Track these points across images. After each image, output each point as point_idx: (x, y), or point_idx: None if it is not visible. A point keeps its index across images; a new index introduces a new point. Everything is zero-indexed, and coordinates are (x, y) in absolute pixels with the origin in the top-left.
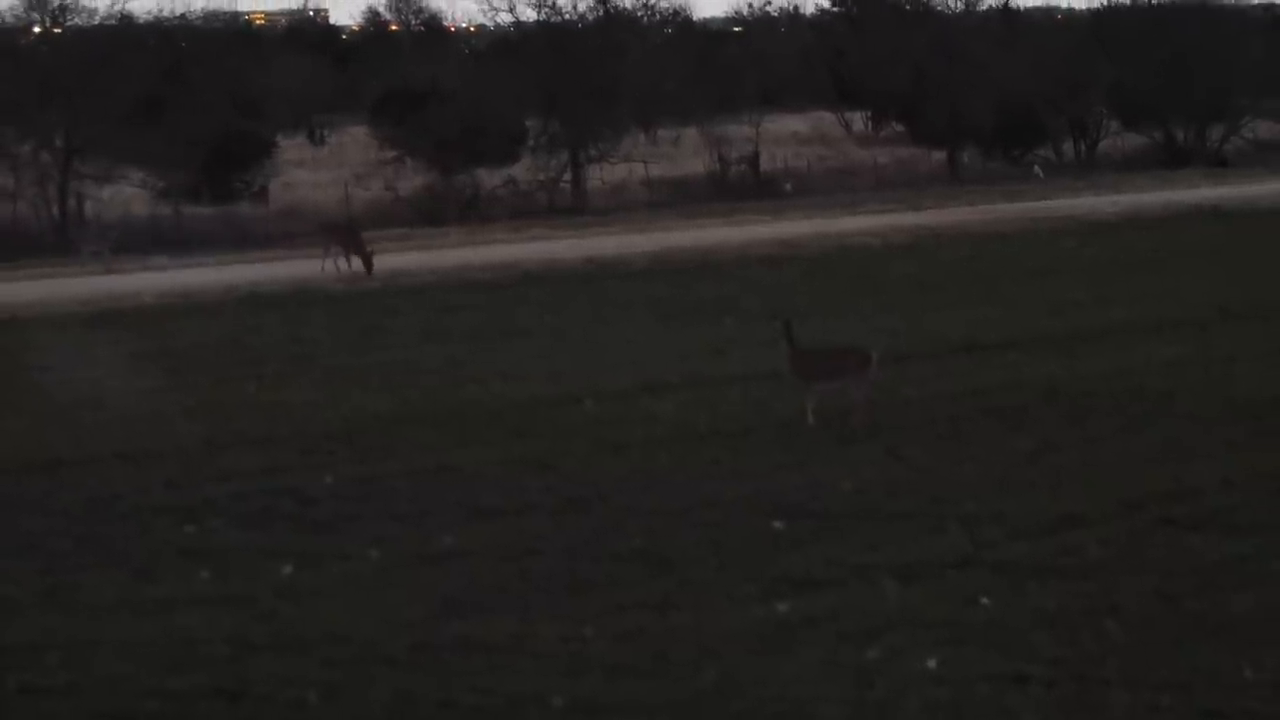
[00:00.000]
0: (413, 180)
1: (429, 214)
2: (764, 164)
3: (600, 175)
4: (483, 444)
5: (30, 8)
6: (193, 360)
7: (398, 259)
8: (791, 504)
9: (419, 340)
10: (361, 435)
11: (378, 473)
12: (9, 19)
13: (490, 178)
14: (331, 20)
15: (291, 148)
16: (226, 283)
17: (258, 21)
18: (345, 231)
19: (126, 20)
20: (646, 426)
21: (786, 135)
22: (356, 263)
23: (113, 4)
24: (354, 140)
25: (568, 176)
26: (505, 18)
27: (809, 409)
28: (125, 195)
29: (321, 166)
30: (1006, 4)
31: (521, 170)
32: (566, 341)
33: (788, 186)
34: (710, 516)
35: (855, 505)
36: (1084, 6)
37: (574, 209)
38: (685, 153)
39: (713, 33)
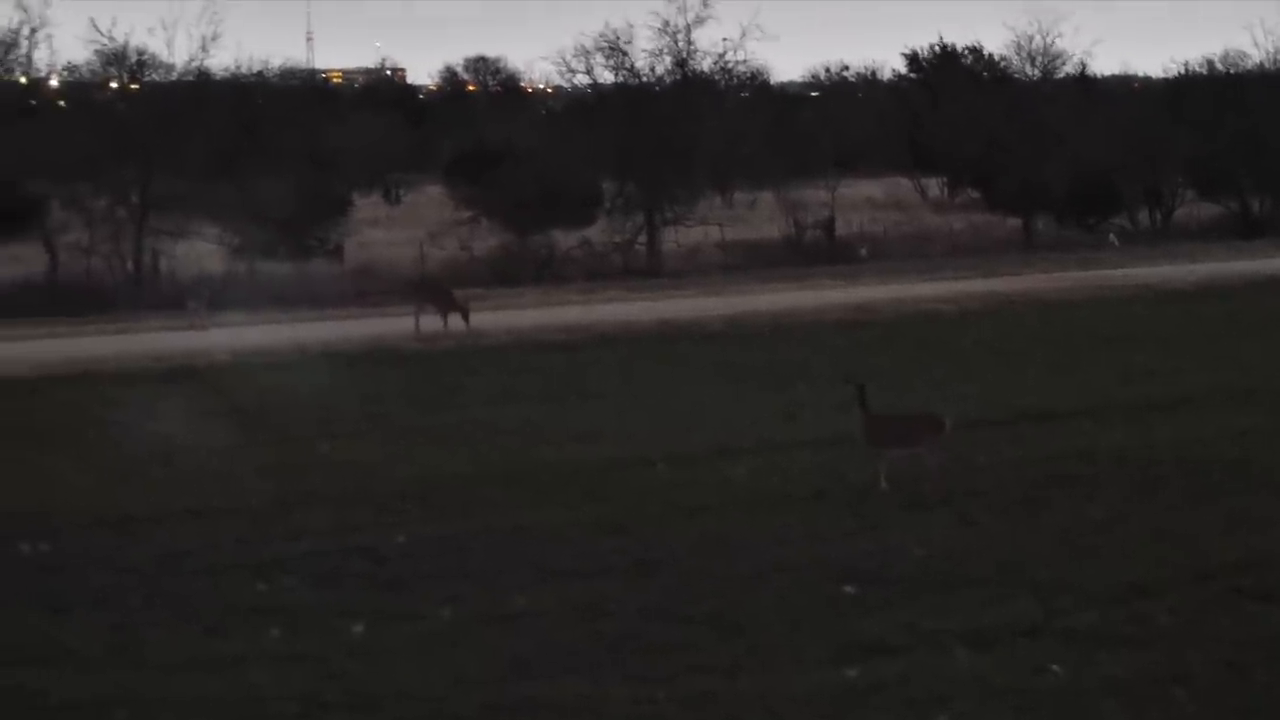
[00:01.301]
0: (488, 240)
1: (504, 274)
2: (839, 229)
3: (675, 238)
4: (556, 505)
5: (108, 63)
6: (265, 418)
7: (473, 319)
8: (862, 569)
9: (493, 400)
10: (435, 494)
11: (451, 532)
12: (86, 74)
13: (565, 239)
14: (408, 79)
15: (366, 206)
16: (300, 340)
17: (334, 80)
18: (435, 289)
19: (203, 76)
20: (719, 490)
21: (862, 200)
22: (454, 319)
23: (190, 60)
24: (429, 199)
25: (643, 239)
26: (582, 79)
27: (881, 474)
28: (200, 251)
29: (396, 225)
30: (1083, 73)
31: (597, 232)
32: (640, 404)
33: (863, 251)
34: (781, 581)
35: (926, 571)
36: (1160, 75)
37: (649, 271)
38: (760, 216)
39: (790, 96)
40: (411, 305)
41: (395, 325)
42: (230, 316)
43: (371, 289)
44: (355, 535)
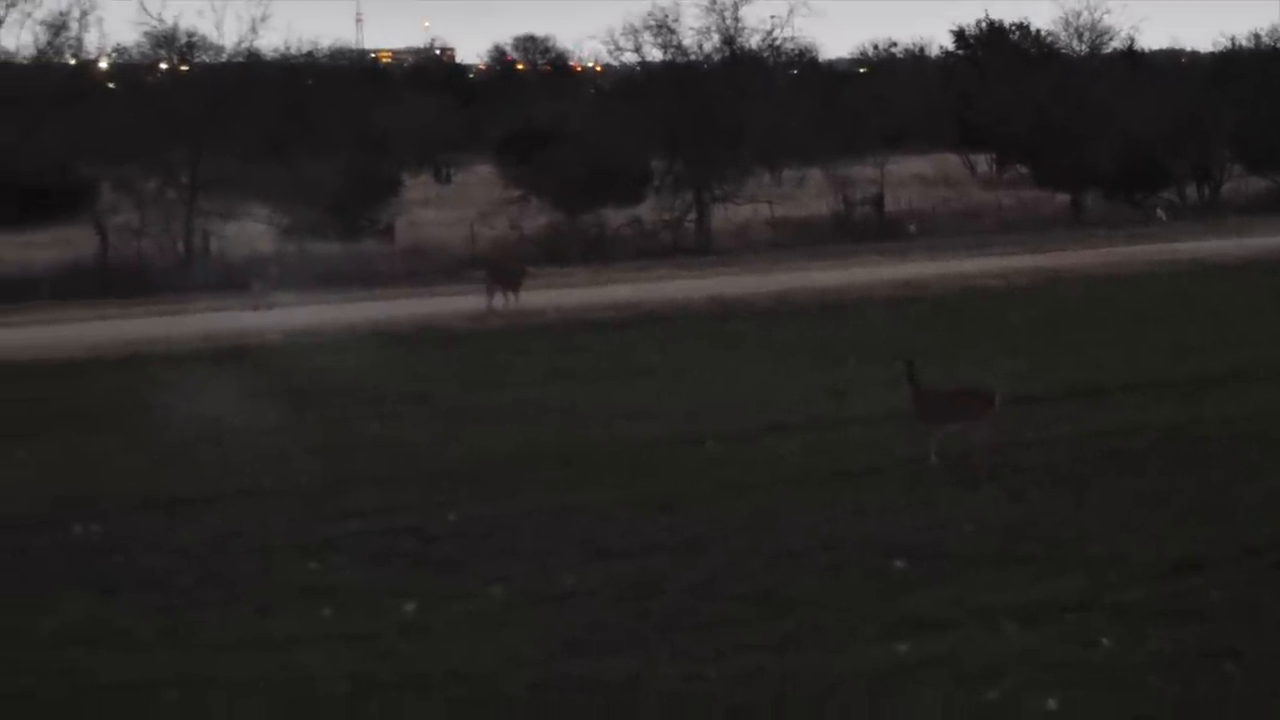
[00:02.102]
0: (537, 219)
1: (553, 253)
2: (888, 205)
3: (725, 215)
4: (605, 484)
5: (157, 45)
6: (315, 398)
7: (522, 298)
8: (912, 545)
9: (542, 379)
10: (484, 474)
11: (500, 512)
12: (136, 56)
13: (615, 217)
14: (457, 59)
15: (416, 186)
16: (350, 320)
17: (384, 60)
18: (503, 269)
19: (253, 57)
20: (769, 467)
21: (910, 177)
22: (511, 296)
23: (240, 41)
24: (479, 179)
25: (692, 216)
26: (630, 58)
27: (931, 450)
28: (250, 232)
29: (446, 205)
30: (1131, 47)
31: (646, 210)
32: (689, 382)
33: (911, 228)
34: (831, 558)
35: (975, 547)
36: (1208, 50)
37: (698, 249)
38: (810, 194)
39: (838, 73)
40: (488, 284)
41: (445, 305)
42: (280, 297)
43: (422, 269)
44: (405, 515)
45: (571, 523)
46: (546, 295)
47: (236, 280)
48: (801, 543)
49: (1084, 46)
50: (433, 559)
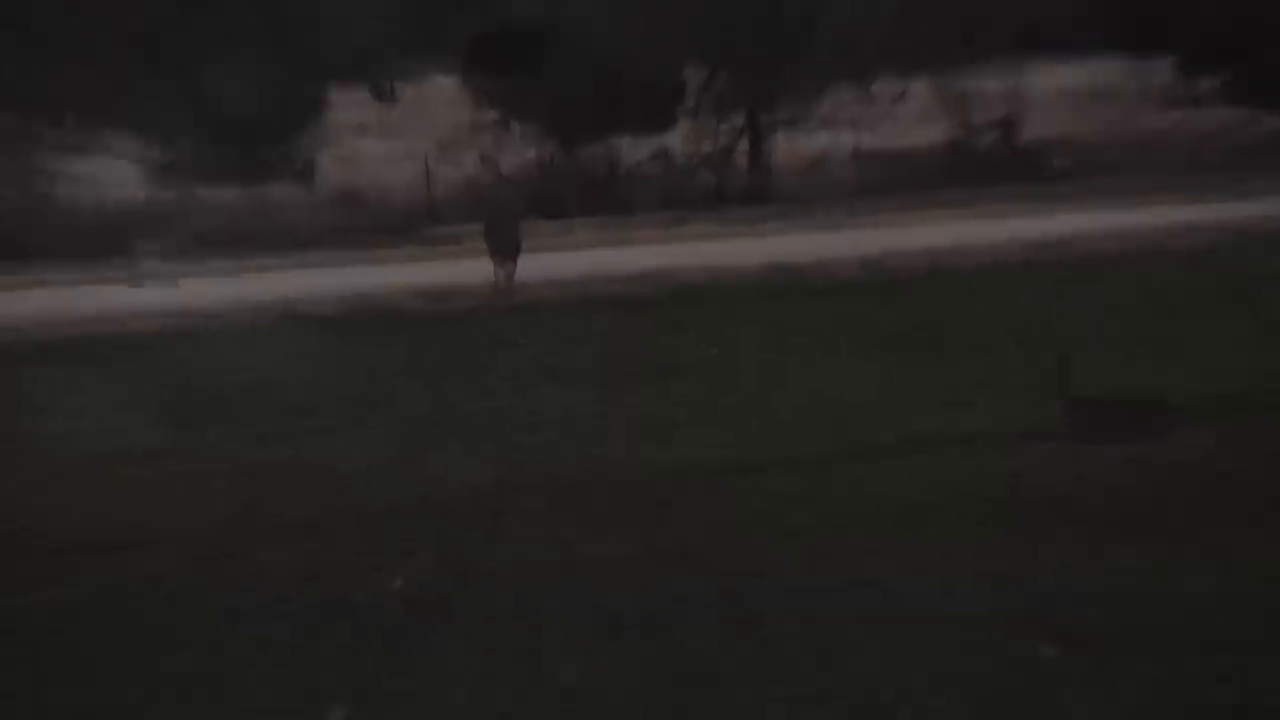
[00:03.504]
0: (522, 153)
1: (544, 202)
2: (1023, 133)
3: (790, 147)
4: (619, 530)
5: None
6: (206, 408)
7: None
8: (1065, 622)
9: (532, 382)
10: (451, 515)
11: (470, 571)
12: None
13: (633, 150)
14: None
15: (350, 105)
16: (258, 298)
17: None
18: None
19: None
20: (850, 507)
21: (1055, 92)
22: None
23: None
24: (438, 96)
25: (744, 149)
26: None
27: (1088, 484)
28: (115, 173)
29: (392, 133)
30: None
31: (677, 140)
32: (739, 385)
33: (1056, 164)
34: (947, 636)
35: (1161, 623)
36: None
37: (751, 195)
38: (911, 116)
39: None
40: (493, 250)
41: (392, 276)
42: (159, 266)
43: (357, 223)
44: (333, 578)
45: (573, 586)
46: (537, 261)
47: (98, 242)
48: (902, 614)
49: None
50: (373, 643)
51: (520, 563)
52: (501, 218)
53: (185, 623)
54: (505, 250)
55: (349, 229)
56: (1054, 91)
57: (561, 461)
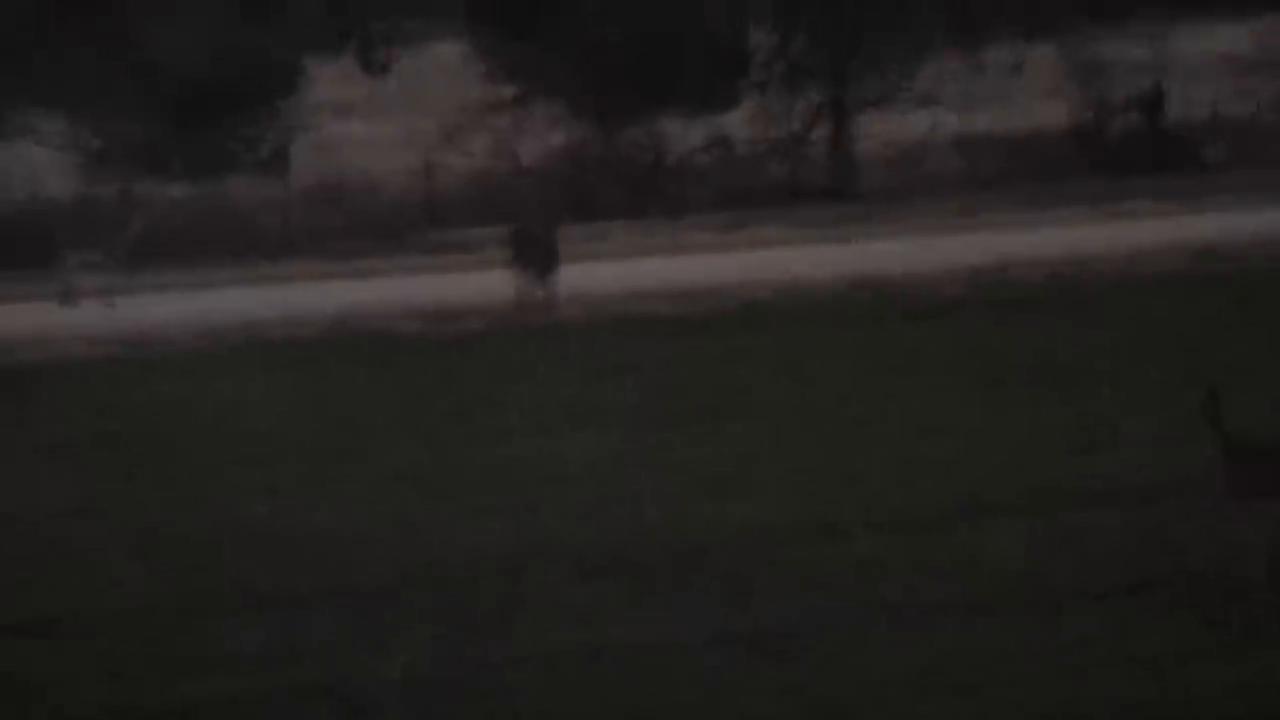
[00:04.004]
0: (545, 139)
1: (575, 199)
2: (1172, 111)
3: (881, 131)
4: (669, 608)
5: None
6: (153, 457)
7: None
8: None
9: (557, 424)
10: (454, 590)
11: (480, 659)
12: None
13: (685, 134)
14: None
15: (330, 78)
16: (216, 319)
17: None
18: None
19: None
20: (959, 578)
21: (1214, 61)
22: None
23: None
24: (439, 66)
25: (821, 134)
26: None
27: (1253, 552)
28: (34, 162)
29: (382, 112)
30: None
31: (741, 122)
32: (819, 428)
33: (1212, 152)
34: None
35: None
36: None
37: (833, 191)
38: (1032, 91)
39: None
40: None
41: (383, 292)
42: (91, 278)
43: (338, 226)
44: (316, 664)
45: (608, 680)
46: (564, 273)
47: (15, 251)
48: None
49: None
50: None
51: (541, 649)
52: (531, 220)
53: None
54: (536, 261)
55: (329, 234)
56: (1211, 59)
57: (592, 525)
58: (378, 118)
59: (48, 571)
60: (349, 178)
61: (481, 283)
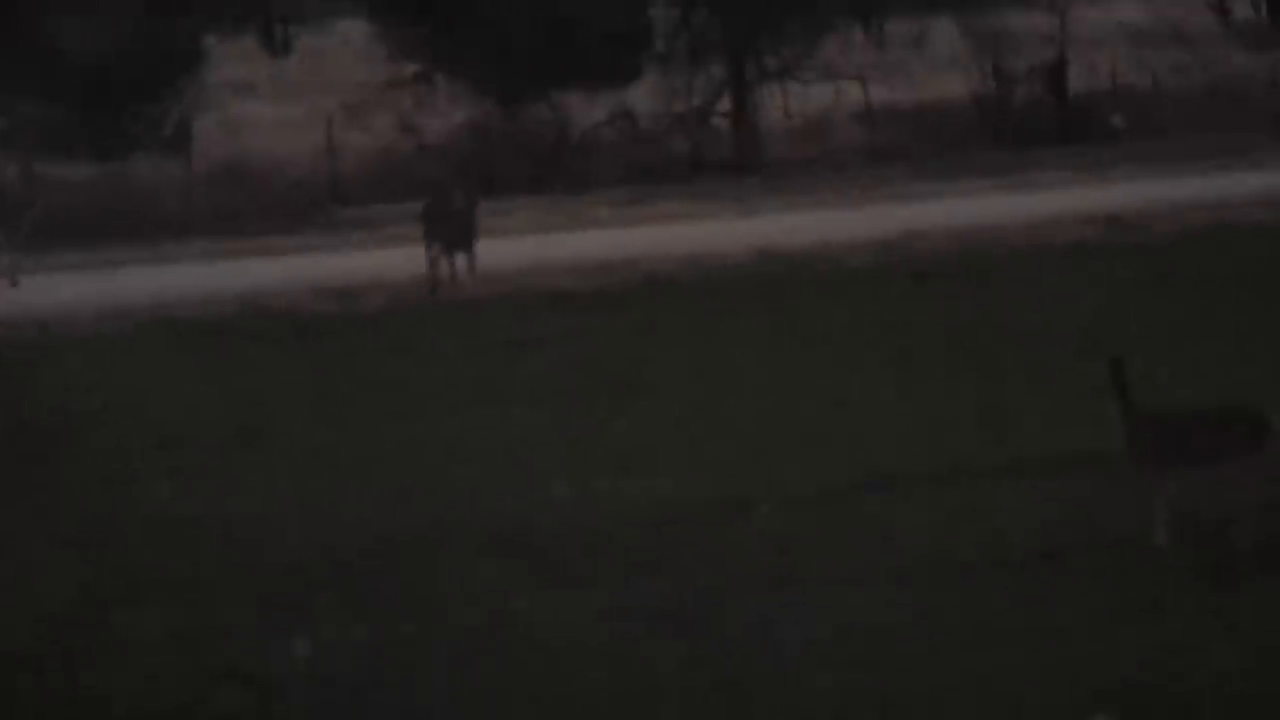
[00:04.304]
0: (449, 116)
1: (480, 175)
2: (1074, 82)
3: (784, 104)
4: (575, 585)
5: None
6: (58, 440)
7: (422, 253)
8: (1133, 695)
9: (463, 402)
10: (361, 571)
11: (389, 638)
12: None
13: (588, 110)
14: None
15: (233, 57)
16: (120, 301)
17: None
18: (450, 214)
19: None
20: (870, 554)
21: (1114, 30)
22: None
23: None
24: (341, 44)
25: (725, 107)
26: None
27: (1159, 521)
28: None
29: (287, 92)
30: None
31: (644, 96)
32: (724, 401)
33: (1116, 121)
34: (983, 716)
35: (1246, 693)
36: None
37: (737, 164)
38: (934, 62)
39: None
40: (430, 238)
41: (289, 270)
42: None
43: (243, 207)
44: (221, 646)
45: (516, 656)
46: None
47: None
48: (929, 692)
49: None
50: None
51: (448, 628)
52: (448, 198)
53: (21, 710)
54: (452, 239)
55: (232, 213)
56: (1111, 29)
57: (501, 502)
58: (280, 97)
59: None
60: (253, 157)
61: (387, 260)
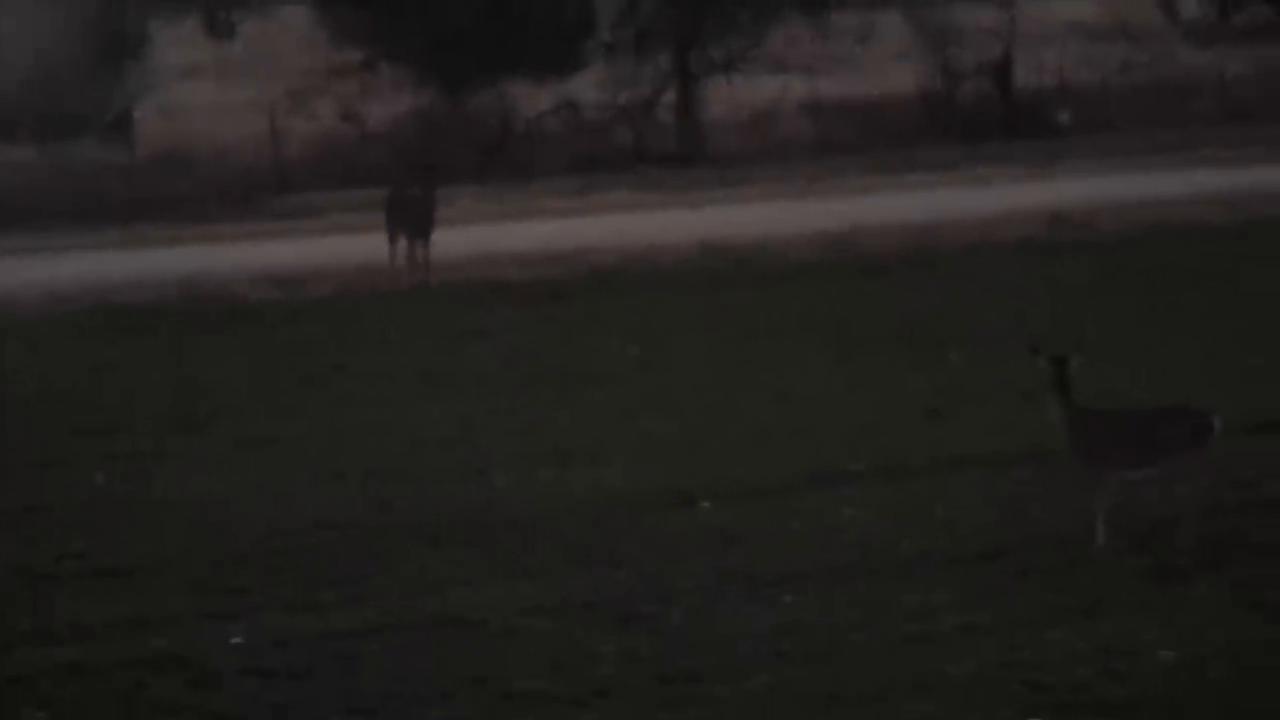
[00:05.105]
0: (392, 103)
1: (422, 164)
2: (1020, 78)
3: (729, 96)
4: (517, 577)
5: None
6: None
7: (365, 244)
8: (1072, 693)
9: (407, 391)
10: (301, 558)
11: (328, 627)
12: None
13: (532, 100)
14: None
15: (176, 43)
16: (60, 286)
17: None
18: (411, 201)
19: None
20: (811, 547)
21: (1061, 26)
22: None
23: None
24: (285, 30)
25: (669, 98)
26: None
27: (1099, 519)
28: None
29: (230, 77)
30: None
31: (588, 87)
32: (668, 394)
33: (1063, 117)
34: (923, 712)
35: (1189, 693)
36: None
37: (681, 156)
38: (881, 56)
39: None
40: (391, 226)
41: (229, 257)
42: None
43: (185, 193)
44: (157, 634)
45: (456, 647)
46: None
47: None
48: (871, 685)
49: None
50: (209, 709)
51: (388, 617)
52: (404, 194)
53: None
54: (413, 227)
55: (175, 198)
56: (1058, 25)
57: (443, 492)
58: (224, 82)
59: None
60: (196, 142)
61: (331, 247)
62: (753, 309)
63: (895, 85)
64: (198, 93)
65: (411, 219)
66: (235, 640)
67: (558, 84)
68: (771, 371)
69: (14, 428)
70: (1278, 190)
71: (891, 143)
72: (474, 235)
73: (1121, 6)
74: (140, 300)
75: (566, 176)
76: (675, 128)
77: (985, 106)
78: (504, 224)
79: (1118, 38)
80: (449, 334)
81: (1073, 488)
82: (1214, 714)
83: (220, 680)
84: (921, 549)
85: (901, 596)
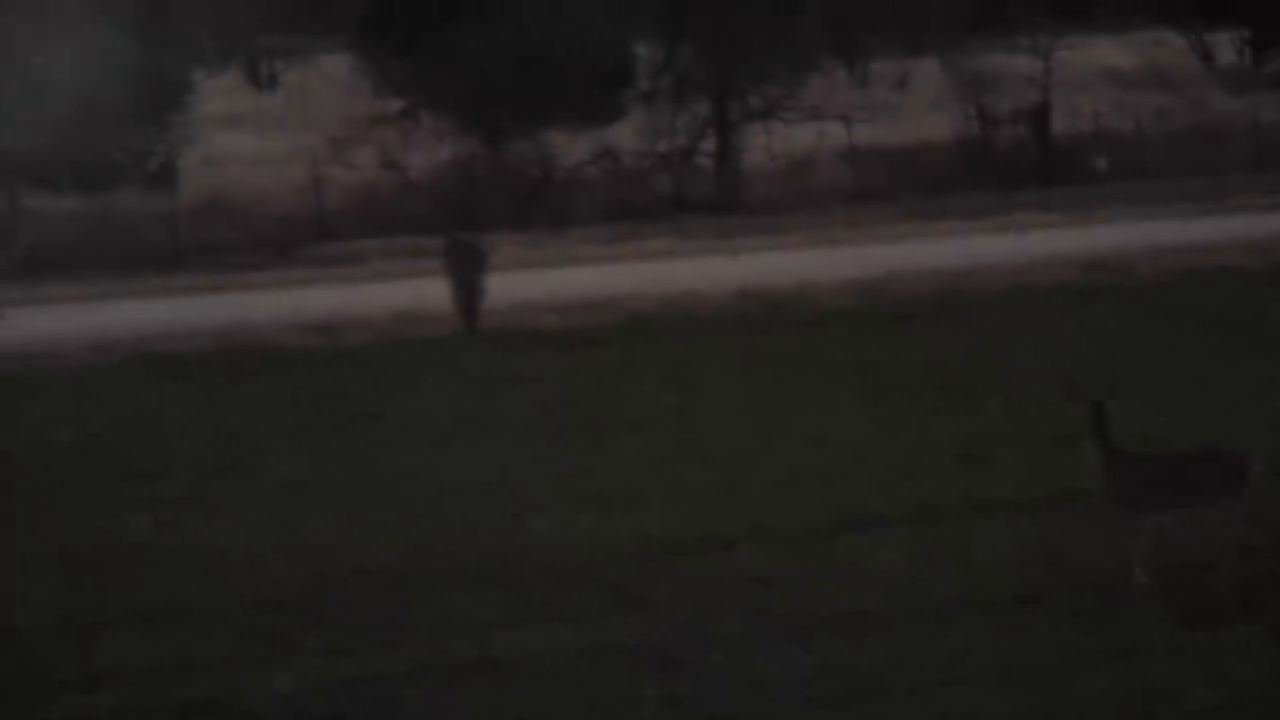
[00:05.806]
0: (433, 152)
1: (461, 211)
2: (1057, 125)
3: (767, 144)
4: (555, 620)
5: None
6: (35, 471)
7: (405, 289)
8: None
9: (445, 436)
10: (339, 604)
11: (367, 672)
12: None
13: (571, 148)
14: None
15: (217, 92)
16: (102, 333)
17: None
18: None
19: None
20: (846, 591)
21: (1098, 73)
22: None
23: None
24: (326, 79)
25: (708, 147)
26: None
27: (1137, 560)
28: None
29: (271, 126)
30: None
31: (626, 135)
32: (704, 439)
33: (1100, 164)
34: None
35: None
36: None
37: (720, 204)
38: (918, 104)
39: None
40: (453, 271)
41: (272, 305)
42: None
43: (226, 241)
44: (202, 678)
45: (492, 691)
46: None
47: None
48: None
49: None
50: None
51: (427, 661)
52: (464, 241)
53: None
54: (468, 270)
55: (216, 247)
56: (1095, 72)
57: (480, 537)
58: (265, 131)
59: None
60: (237, 191)
61: (369, 295)
62: (788, 355)
63: (931, 132)
64: (239, 142)
65: (468, 267)
66: (275, 686)
67: (596, 132)
68: (806, 416)
69: (56, 474)
70: None
71: (927, 189)
72: (512, 282)
73: (1156, 54)
74: (180, 348)
75: (605, 224)
76: (714, 175)
77: (1021, 153)
78: (542, 271)
79: (1153, 85)
80: (487, 380)
81: (1107, 531)
82: None
83: None
84: (956, 593)
85: (937, 640)
